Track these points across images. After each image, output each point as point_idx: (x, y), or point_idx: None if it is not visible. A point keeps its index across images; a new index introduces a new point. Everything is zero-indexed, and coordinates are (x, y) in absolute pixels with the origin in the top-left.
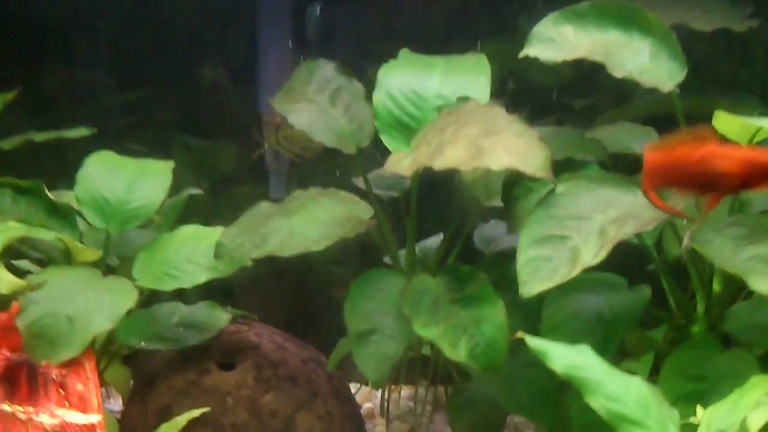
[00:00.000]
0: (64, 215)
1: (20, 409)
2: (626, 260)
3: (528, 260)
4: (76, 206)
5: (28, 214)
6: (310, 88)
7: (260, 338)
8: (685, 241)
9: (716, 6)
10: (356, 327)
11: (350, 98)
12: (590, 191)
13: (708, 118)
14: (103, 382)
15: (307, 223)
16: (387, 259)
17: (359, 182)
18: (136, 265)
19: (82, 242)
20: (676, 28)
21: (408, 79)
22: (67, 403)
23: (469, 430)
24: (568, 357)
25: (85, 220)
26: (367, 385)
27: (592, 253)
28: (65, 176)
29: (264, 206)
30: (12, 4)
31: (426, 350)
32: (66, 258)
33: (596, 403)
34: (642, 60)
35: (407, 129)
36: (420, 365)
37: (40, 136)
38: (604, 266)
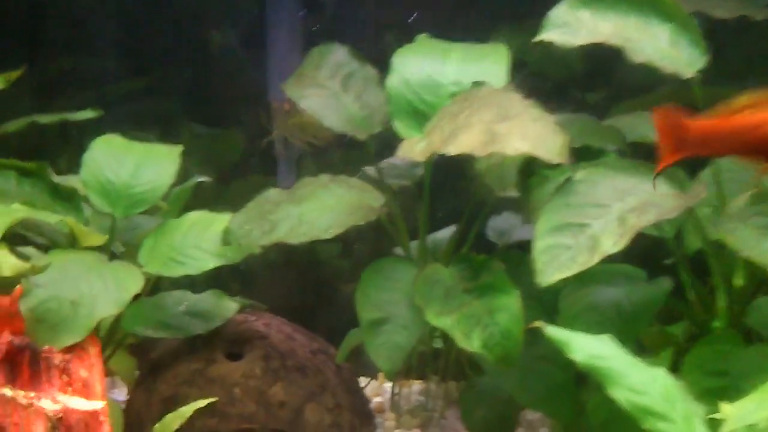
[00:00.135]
0: (68, 199)
1: (21, 393)
2: (643, 253)
3: (545, 248)
4: (81, 191)
5: (33, 197)
6: (321, 73)
7: (269, 328)
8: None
9: None
10: (368, 316)
11: (363, 83)
12: (609, 179)
13: None
14: (108, 372)
15: (316, 211)
16: (398, 251)
17: (370, 171)
18: (142, 251)
19: (87, 226)
20: (695, 16)
21: (424, 64)
22: (70, 389)
23: (481, 426)
24: (590, 347)
25: (90, 205)
26: (376, 379)
27: (611, 242)
28: (73, 165)
29: (273, 193)
30: None
31: (438, 343)
32: (71, 243)
33: (619, 395)
34: (661, 46)
35: (421, 116)
36: (431, 359)
37: (45, 118)
38: (620, 259)
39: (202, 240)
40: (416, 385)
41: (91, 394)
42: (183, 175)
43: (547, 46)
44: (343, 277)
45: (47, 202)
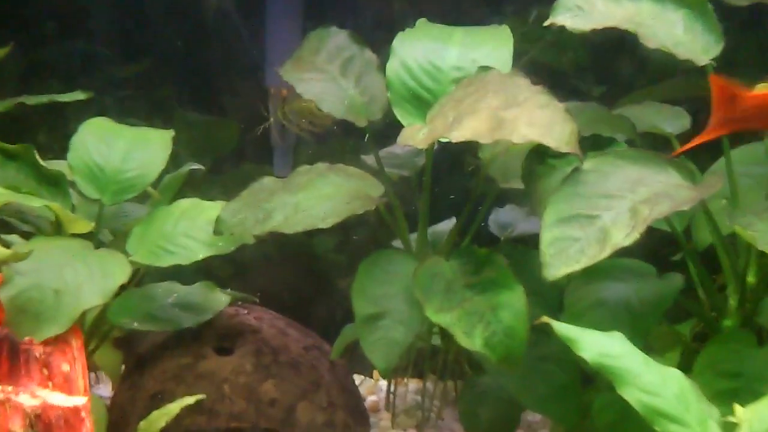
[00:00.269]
0: (55, 183)
1: None
2: (649, 249)
3: (553, 240)
4: (69, 177)
5: (17, 181)
6: (320, 57)
7: (261, 322)
8: None
9: None
10: (364, 311)
11: (362, 68)
12: (620, 168)
13: None
14: (92, 366)
15: (313, 199)
16: (396, 244)
17: (369, 160)
18: (131, 239)
19: (74, 213)
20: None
21: (425, 49)
22: (50, 384)
23: (481, 427)
24: (601, 344)
25: (78, 190)
26: (371, 377)
27: (623, 234)
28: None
29: (268, 181)
30: None
31: (436, 340)
32: (56, 230)
33: (631, 395)
34: (676, 32)
35: (422, 102)
36: (429, 357)
37: (32, 100)
38: (626, 254)
39: (193, 228)
40: (413, 384)
41: (72, 389)
42: (175, 165)
43: (551, 36)
44: (339, 271)
45: (33, 186)
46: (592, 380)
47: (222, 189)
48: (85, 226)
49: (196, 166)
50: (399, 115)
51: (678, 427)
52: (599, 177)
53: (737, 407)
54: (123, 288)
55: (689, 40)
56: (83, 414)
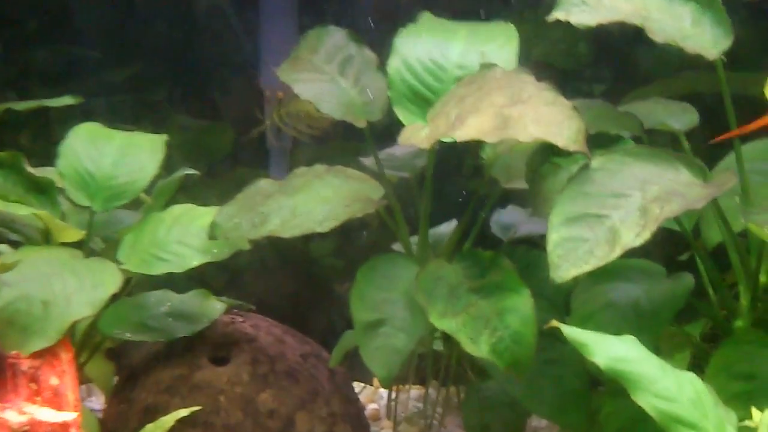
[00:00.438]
0: (43, 191)
1: None
2: (657, 249)
3: (560, 241)
4: (59, 184)
5: (4, 189)
6: (317, 56)
7: (257, 330)
8: None
9: None
10: (363, 317)
11: (361, 68)
12: (628, 166)
13: (753, 96)
14: (84, 378)
15: (311, 202)
16: (396, 247)
17: (368, 162)
18: (122, 247)
19: (64, 221)
20: None
21: (427, 46)
22: (39, 399)
23: None
24: (613, 348)
25: (68, 198)
26: (372, 384)
27: (633, 234)
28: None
29: (264, 184)
30: None
31: (438, 345)
32: (46, 239)
33: (645, 401)
34: (684, 25)
35: (424, 101)
36: (431, 363)
37: (21, 105)
38: (632, 255)
39: (186, 235)
40: (414, 391)
41: (62, 403)
42: (169, 170)
43: (552, 35)
44: (337, 277)
45: (20, 194)
46: (600, 385)
47: (217, 194)
48: (76, 235)
49: (190, 171)
50: (400, 114)
51: None
52: (607, 175)
53: (754, 410)
54: (115, 298)
55: (697, 33)
56: (73, 430)
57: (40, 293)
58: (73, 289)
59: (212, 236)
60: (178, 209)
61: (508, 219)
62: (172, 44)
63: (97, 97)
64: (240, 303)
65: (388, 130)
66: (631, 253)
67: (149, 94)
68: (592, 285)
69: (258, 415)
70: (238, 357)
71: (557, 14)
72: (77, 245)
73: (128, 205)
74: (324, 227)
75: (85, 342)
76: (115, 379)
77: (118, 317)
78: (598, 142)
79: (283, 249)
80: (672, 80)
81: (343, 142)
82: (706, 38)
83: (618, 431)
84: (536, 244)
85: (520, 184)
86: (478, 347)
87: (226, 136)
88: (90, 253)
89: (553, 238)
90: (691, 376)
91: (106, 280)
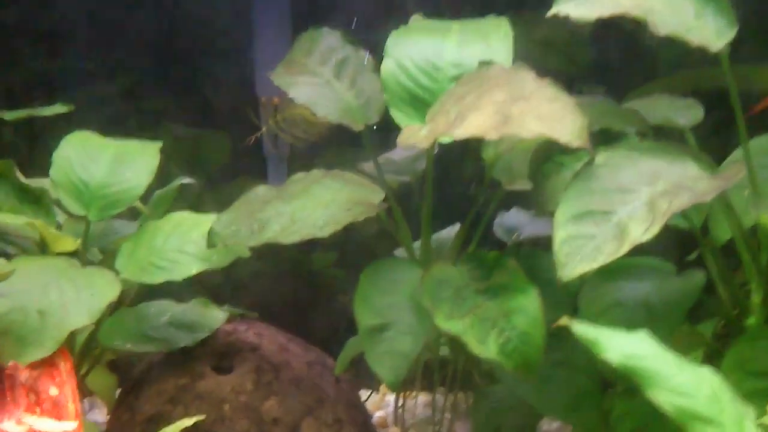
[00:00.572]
0: (37, 200)
1: None
2: (665, 250)
3: (567, 238)
4: (53, 194)
5: None
6: (312, 59)
7: (260, 338)
8: None
9: None
10: (368, 322)
11: (357, 70)
12: (634, 161)
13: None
14: (86, 392)
15: (310, 208)
16: (398, 253)
17: (367, 167)
18: (120, 256)
19: (60, 231)
20: None
21: (420, 47)
22: (38, 410)
23: None
24: (626, 345)
25: (62, 207)
26: (378, 391)
27: (641, 229)
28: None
29: (262, 190)
30: None
31: (444, 351)
32: (41, 250)
33: (662, 398)
34: (687, 17)
35: (420, 103)
36: (437, 369)
37: (11, 115)
38: (638, 255)
39: (185, 243)
40: (421, 397)
41: (62, 414)
42: (165, 181)
43: (549, 38)
44: (339, 287)
45: (14, 204)
46: (611, 386)
47: (214, 203)
48: (71, 244)
49: (187, 181)
50: (396, 117)
51: (713, 430)
52: (613, 171)
53: None
54: (115, 308)
55: (701, 25)
56: None
57: (36, 303)
58: (69, 297)
59: (211, 244)
60: (176, 217)
61: (512, 221)
62: (164, 53)
63: (91, 109)
64: (242, 311)
65: (384, 136)
66: (637, 254)
67: (143, 103)
68: (599, 284)
69: (263, 423)
70: (242, 365)
71: (556, 9)
72: (74, 255)
73: (125, 215)
74: (324, 232)
75: (86, 354)
76: (118, 391)
77: (119, 328)
78: (602, 138)
79: (285, 260)
80: (674, 78)
81: (340, 148)
82: (710, 30)
83: (631, 431)
84: (541, 246)
85: (523, 185)
86: (486, 349)
87: (223, 145)
88: (87, 263)
89: (560, 236)
90: (707, 371)
91: (103, 289)
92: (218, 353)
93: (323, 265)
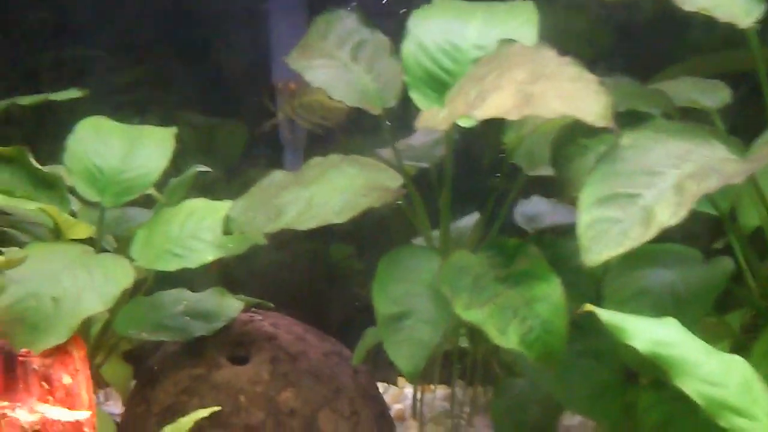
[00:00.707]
0: (51, 186)
1: None
2: (691, 237)
3: (591, 222)
4: (68, 181)
5: (12, 185)
6: (328, 42)
7: (277, 328)
8: None
9: None
10: (386, 311)
11: (374, 52)
12: (661, 143)
13: None
14: (101, 382)
15: (327, 193)
16: (417, 241)
17: (386, 153)
18: (135, 243)
19: (74, 218)
20: None
21: (443, 27)
22: (51, 398)
23: None
24: (654, 332)
25: (76, 194)
26: (396, 384)
27: (669, 212)
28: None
29: (278, 176)
30: None
31: (463, 342)
32: (56, 237)
33: (690, 386)
34: None
35: (441, 85)
36: (457, 361)
37: (26, 100)
38: (664, 242)
39: (201, 230)
40: (440, 390)
41: (75, 402)
42: (180, 170)
43: (568, 22)
44: (357, 279)
45: (29, 190)
46: (635, 378)
47: (230, 191)
48: (86, 231)
49: (203, 169)
50: (416, 99)
51: (744, 421)
52: (639, 153)
53: None
54: (130, 296)
55: (729, 1)
56: (86, 429)
57: (50, 289)
58: (83, 284)
59: (227, 231)
60: (191, 204)
61: (533, 210)
62: (180, 41)
63: (106, 97)
64: (258, 301)
65: (406, 120)
66: (663, 240)
67: (158, 92)
68: (624, 271)
69: (279, 414)
70: (258, 356)
71: None
72: (88, 243)
73: (140, 202)
74: (341, 218)
75: (101, 343)
76: (133, 381)
77: (134, 317)
78: (627, 120)
79: (302, 251)
80: (699, 60)
81: (358, 135)
82: (738, 6)
83: (657, 425)
84: (563, 234)
85: (545, 171)
86: (507, 338)
87: (239, 133)
88: (102, 250)
89: (584, 220)
90: (738, 360)
91: (117, 275)
92: (234, 343)
93: (340, 257)
